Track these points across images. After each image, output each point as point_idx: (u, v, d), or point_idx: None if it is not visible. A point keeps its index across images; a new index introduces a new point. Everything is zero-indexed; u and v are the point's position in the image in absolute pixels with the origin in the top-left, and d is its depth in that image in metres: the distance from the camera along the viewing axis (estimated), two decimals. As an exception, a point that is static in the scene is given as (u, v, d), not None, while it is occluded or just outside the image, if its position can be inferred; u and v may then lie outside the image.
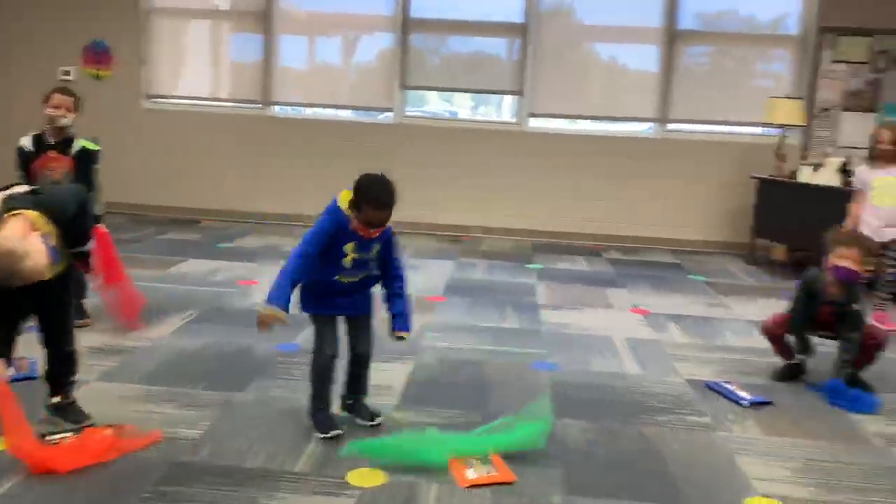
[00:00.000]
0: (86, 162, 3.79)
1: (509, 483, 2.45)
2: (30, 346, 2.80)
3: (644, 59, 7.07)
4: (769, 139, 6.64)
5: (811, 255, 4.09)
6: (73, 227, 2.57)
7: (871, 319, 3.64)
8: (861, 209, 4.72)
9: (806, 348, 3.48)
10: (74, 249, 2.63)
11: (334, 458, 2.56)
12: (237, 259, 5.59)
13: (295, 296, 2.66)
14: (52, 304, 2.66)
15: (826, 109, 6.75)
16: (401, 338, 2.75)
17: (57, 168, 3.72)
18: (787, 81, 6.88)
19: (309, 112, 7.55)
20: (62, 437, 2.55)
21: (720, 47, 7.06)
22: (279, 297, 2.55)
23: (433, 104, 8.35)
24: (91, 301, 3.88)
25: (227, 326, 3.95)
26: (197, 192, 7.35)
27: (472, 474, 2.47)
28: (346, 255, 2.63)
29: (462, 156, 7.13)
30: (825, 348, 3.64)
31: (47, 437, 2.53)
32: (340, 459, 2.54)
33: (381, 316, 2.83)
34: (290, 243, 6.16)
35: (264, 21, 7.19)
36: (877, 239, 4.53)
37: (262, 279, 5.00)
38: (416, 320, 3.81)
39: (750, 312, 4.74)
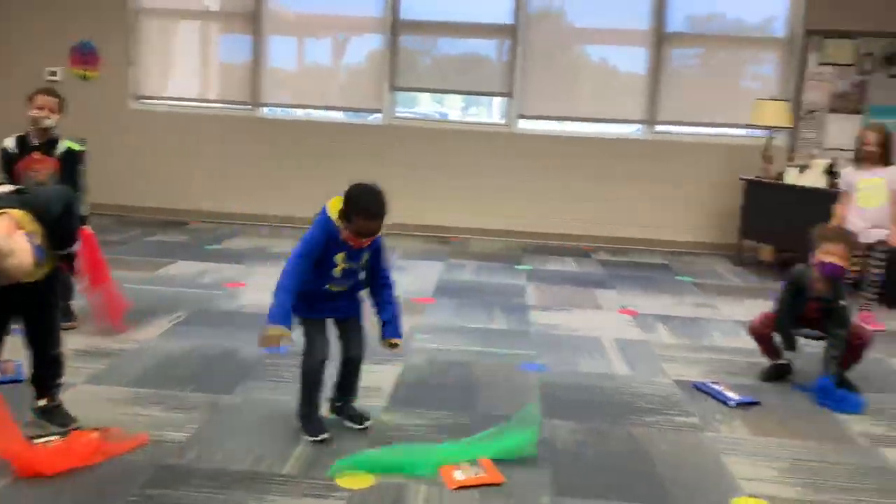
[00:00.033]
0: (71, 163, 3.77)
1: (497, 484, 2.45)
2: (15, 349, 2.78)
3: (633, 61, 7.09)
4: (756, 141, 6.68)
5: (798, 255, 4.12)
6: (59, 227, 2.55)
7: (857, 320, 3.66)
8: (846, 210, 4.76)
9: (792, 345, 3.50)
10: (60, 251, 2.61)
11: (322, 461, 2.55)
12: (225, 261, 5.57)
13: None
14: (39, 306, 2.64)
15: (812, 111, 6.80)
16: (394, 345, 2.75)
17: (41, 169, 3.70)
18: (774, 83, 6.92)
19: (298, 113, 7.53)
20: (48, 441, 2.53)
21: (708, 49, 7.09)
22: (282, 315, 2.54)
23: (424, 105, 8.36)
24: (77, 303, 3.85)
25: (215, 329, 3.93)
26: (185, 194, 7.32)
27: (460, 476, 2.47)
28: (336, 266, 2.63)
29: (451, 157, 7.14)
30: (811, 349, 3.67)
31: (34, 441, 2.51)
32: (329, 461, 2.54)
33: (370, 321, 2.82)
34: (279, 245, 6.20)
35: (253, 22, 7.18)
36: (863, 240, 4.57)
37: (250, 281, 4.99)
38: (406, 322, 3.80)
39: (737, 313, 4.76)
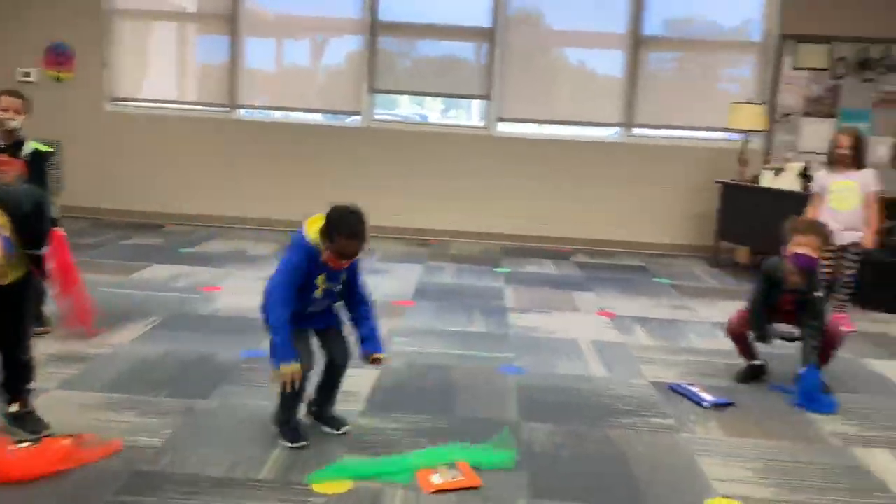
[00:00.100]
0: (39, 164, 3.72)
1: (475, 488, 2.45)
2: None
3: (610, 64, 7.14)
4: (732, 144, 6.75)
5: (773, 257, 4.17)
6: (29, 225, 2.52)
7: (831, 320, 3.70)
8: (818, 212, 4.81)
9: (765, 337, 3.52)
10: (30, 251, 2.57)
11: (299, 466, 2.54)
12: (201, 264, 5.52)
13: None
14: (11, 311, 2.60)
15: (787, 115, 6.88)
16: (377, 360, 2.73)
17: (8, 171, 3.64)
18: (750, 87, 7.00)
19: (276, 115, 7.49)
20: (20, 447, 2.49)
21: (685, 53, 7.15)
22: (289, 352, 2.54)
23: (404, 107, 8.35)
24: (50, 308, 3.80)
25: (191, 333, 3.90)
26: (161, 197, 7.25)
27: (437, 479, 2.47)
28: (317, 288, 2.63)
29: (430, 159, 7.14)
30: (787, 350, 3.71)
31: (11, 446, 2.47)
32: (305, 466, 2.52)
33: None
34: (256, 248, 6.16)
35: (230, 23, 7.13)
36: (837, 242, 4.63)
37: (226, 284, 4.95)
38: (385, 325, 3.80)
39: (714, 315, 4.80)
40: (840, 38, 6.69)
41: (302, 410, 2.82)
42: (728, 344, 3.75)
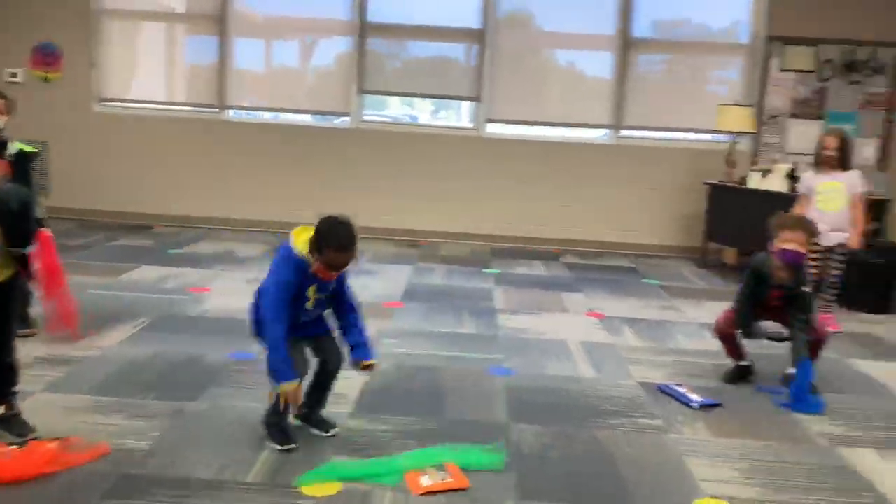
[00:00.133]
0: (23, 165, 3.69)
1: (463, 489, 2.46)
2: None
3: (600, 65, 7.16)
4: (720, 145, 6.78)
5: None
6: (15, 224, 2.51)
7: (817, 320, 3.72)
8: (804, 213, 4.84)
9: (750, 332, 3.54)
10: (15, 249, 2.56)
11: (288, 468, 2.53)
12: (190, 265, 5.50)
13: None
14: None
15: (775, 116, 6.93)
16: (368, 366, 2.74)
17: None
18: (738, 89, 7.04)
19: (265, 116, 7.48)
20: (6, 450, 2.47)
21: (674, 55, 7.19)
22: (288, 370, 2.55)
23: (394, 108, 8.35)
24: (36, 310, 3.77)
25: (179, 334, 3.89)
26: (149, 198, 7.22)
27: (426, 481, 2.47)
28: (308, 300, 2.64)
29: (420, 161, 7.14)
30: (774, 350, 3.73)
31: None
32: (294, 468, 2.52)
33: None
34: (244, 249, 6.15)
35: (219, 24, 7.11)
36: (823, 243, 4.66)
37: (214, 286, 4.94)
38: (374, 326, 3.80)
39: (701, 315, 4.83)
40: (827, 41, 6.74)
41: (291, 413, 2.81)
42: (715, 345, 3.77)
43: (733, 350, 3.67)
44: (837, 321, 4.77)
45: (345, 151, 7.12)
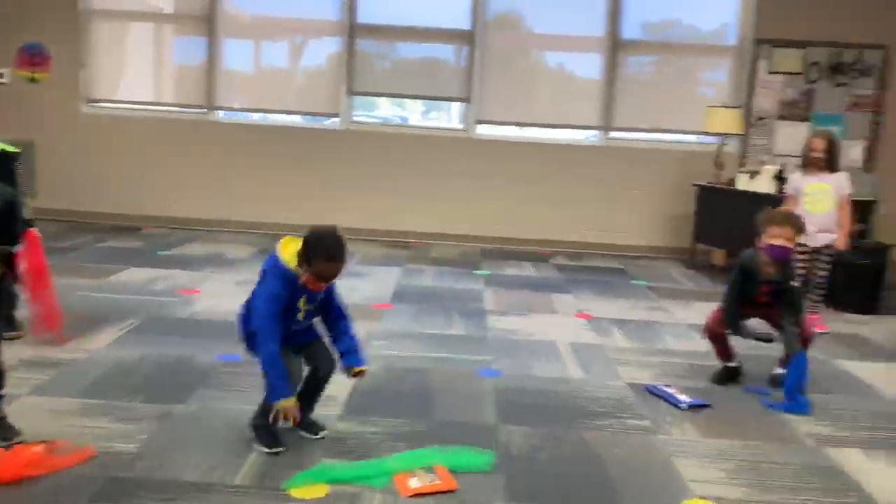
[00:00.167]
0: (6, 165, 3.66)
1: (452, 491, 2.46)
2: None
3: (589, 67, 7.18)
4: (709, 147, 6.82)
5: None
6: (1, 224, 2.49)
7: (805, 320, 3.75)
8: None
9: (738, 329, 3.55)
10: (2, 247, 2.54)
11: (276, 471, 2.53)
12: (179, 267, 5.48)
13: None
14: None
15: (762, 118, 6.97)
16: (360, 372, 2.74)
17: None
18: (726, 91, 7.08)
19: (254, 117, 7.46)
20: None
21: (662, 56, 7.21)
22: (285, 387, 2.56)
23: (385, 109, 8.34)
24: (22, 312, 3.75)
25: (168, 336, 3.87)
26: (138, 199, 7.19)
27: (415, 483, 2.47)
28: (299, 311, 2.64)
29: (409, 162, 7.14)
30: (763, 351, 3.75)
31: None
32: (282, 471, 2.52)
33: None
34: (233, 251, 6.13)
35: (208, 24, 7.08)
36: (810, 244, 4.69)
37: (204, 288, 4.92)
38: (363, 328, 3.80)
39: (690, 316, 4.85)
40: (814, 43, 6.79)
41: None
42: (704, 345, 3.79)
43: (723, 350, 3.69)
44: (824, 322, 4.80)
45: (334, 153, 7.11)
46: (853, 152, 6.81)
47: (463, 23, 7.04)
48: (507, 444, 2.83)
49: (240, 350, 3.53)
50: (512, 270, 6.10)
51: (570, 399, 3.35)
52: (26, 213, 3.53)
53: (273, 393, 2.57)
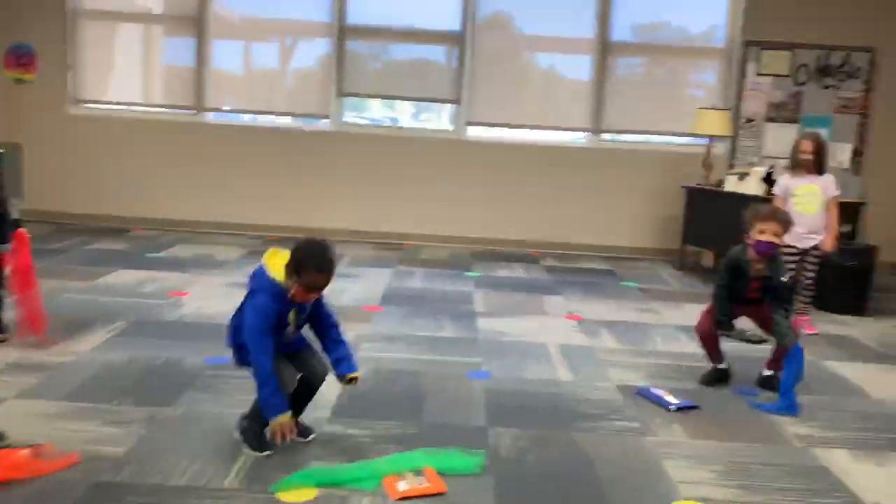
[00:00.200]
0: None
1: (441, 494, 2.45)
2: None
3: (579, 69, 7.20)
4: (698, 149, 6.84)
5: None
6: None
7: (793, 322, 3.76)
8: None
9: (729, 326, 3.57)
10: None
11: (264, 474, 2.52)
12: (167, 269, 5.45)
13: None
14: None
15: (751, 120, 7.00)
16: (353, 379, 2.72)
17: None
18: (715, 93, 7.11)
19: (244, 118, 7.43)
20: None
21: (652, 58, 7.24)
22: (281, 403, 2.55)
23: (375, 111, 8.32)
24: (8, 315, 3.72)
25: (157, 339, 3.85)
26: (127, 201, 7.15)
27: (403, 486, 2.47)
28: (290, 324, 2.63)
29: (400, 163, 7.13)
30: (751, 353, 3.76)
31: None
32: (270, 475, 2.51)
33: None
34: (222, 253, 6.11)
35: (197, 25, 7.06)
36: (799, 245, 4.72)
37: (193, 290, 4.90)
38: (352, 330, 3.79)
39: (679, 317, 4.86)
40: (802, 45, 6.82)
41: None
42: (693, 347, 3.80)
43: (713, 351, 3.69)
44: (812, 323, 4.82)
45: (325, 154, 7.10)
46: (841, 154, 6.85)
47: (453, 24, 7.04)
48: (497, 446, 2.83)
49: (228, 353, 3.54)
50: (502, 272, 6.10)
51: (560, 401, 3.35)
52: (14, 214, 3.52)
53: (267, 411, 2.56)
